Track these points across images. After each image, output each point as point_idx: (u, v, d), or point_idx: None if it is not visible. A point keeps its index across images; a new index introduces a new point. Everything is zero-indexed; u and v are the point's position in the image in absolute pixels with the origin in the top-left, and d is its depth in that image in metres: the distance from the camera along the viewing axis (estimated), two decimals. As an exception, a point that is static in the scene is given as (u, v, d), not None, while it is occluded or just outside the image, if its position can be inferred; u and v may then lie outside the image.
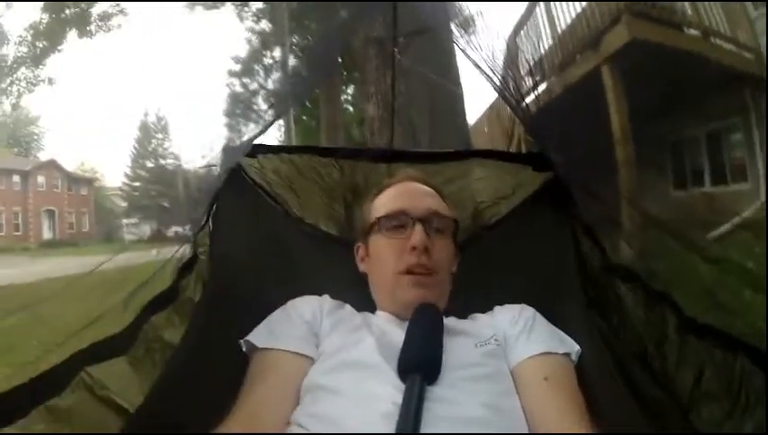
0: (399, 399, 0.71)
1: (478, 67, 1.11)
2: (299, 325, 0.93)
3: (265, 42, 15.55)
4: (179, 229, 1.18)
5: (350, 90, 13.23)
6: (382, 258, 0.97)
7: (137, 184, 34.33)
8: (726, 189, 6.56)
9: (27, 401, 0.71)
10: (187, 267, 1.07)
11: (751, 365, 0.75)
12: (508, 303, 1.01)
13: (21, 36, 10.98)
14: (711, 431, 0.76)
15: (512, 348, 0.90)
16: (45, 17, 10.57)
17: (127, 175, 34.97)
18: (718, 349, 0.80)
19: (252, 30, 15.79)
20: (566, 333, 0.94)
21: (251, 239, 1.23)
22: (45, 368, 0.75)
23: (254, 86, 16.78)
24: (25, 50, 11.16)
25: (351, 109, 13.62)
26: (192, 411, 0.81)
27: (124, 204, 34.16)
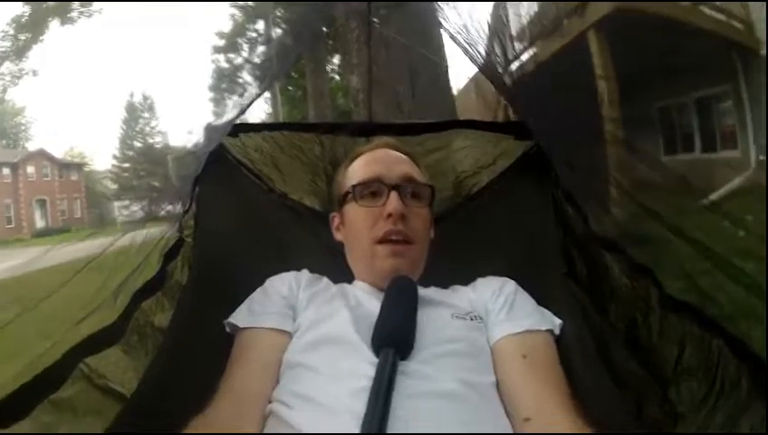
0: (373, 374, 0.71)
1: (455, 39, 1.11)
2: (276, 301, 0.94)
3: (249, 15, 15.31)
4: (171, 208, 1.17)
5: (336, 59, 13.12)
6: (358, 227, 0.96)
7: (126, 165, 34.00)
8: (717, 156, 6.59)
9: (33, 397, 0.73)
10: (173, 251, 1.07)
11: (726, 349, 0.75)
12: (489, 273, 1.01)
13: (3, 31, 10.82)
14: (688, 410, 0.76)
15: (492, 324, 0.89)
16: (27, 9, 10.44)
17: (116, 157, 34.65)
18: (695, 326, 0.80)
19: (235, 5, 15.54)
20: (546, 304, 0.94)
21: (235, 218, 1.23)
22: (46, 364, 0.77)
23: (238, 60, 16.62)
24: (8, 44, 11.01)
25: (338, 78, 13.52)
26: (184, 393, 0.82)
27: (114, 186, 33.88)
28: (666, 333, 0.85)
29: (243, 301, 0.97)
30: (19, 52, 11.20)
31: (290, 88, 13.63)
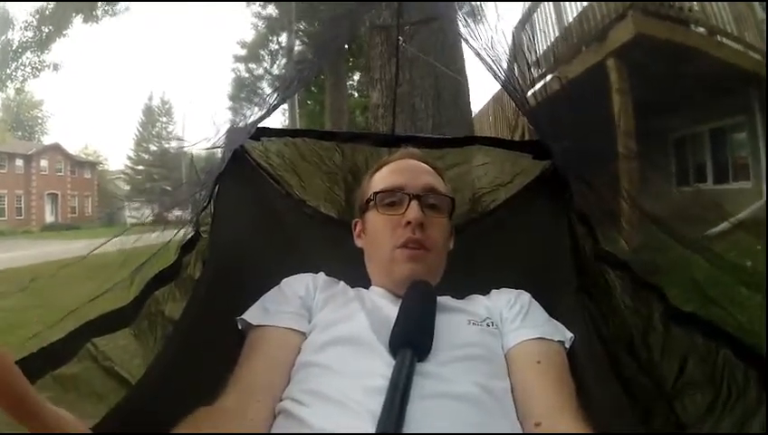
0: (390, 374, 0.70)
1: (479, 55, 1.13)
2: (292, 301, 0.95)
3: (272, 27, 15.53)
4: (180, 213, 1.19)
5: (357, 76, 13.29)
6: (378, 234, 0.98)
7: (139, 167, 34.31)
8: (728, 187, 6.58)
9: (37, 369, 0.73)
10: (189, 245, 1.08)
11: (734, 357, 0.75)
12: (503, 286, 1.02)
13: (26, 21, 10.95)
14: (694, 422, 0.76)
15: (507, 331, 0.90)
16: (52, 3, 10.63)
17: (130, 158, 34.95)
18: (701, 338, 0.81)
19: (258, 15, 15.80)
20: (558, 318, 0.94)
21: (252, 220, 1.24)
22: (55, 339, 0.77)
23: (259, 71, 16.88)
24: (31, 35, 11.13)
25: (357, 95, 13.66)
26: (189, 386, 0.82)
27: (127, 187, 34.14)
28: (667, 350, 0.85)
29: (254, 300, 0.97)
30: (41, 44, 11.29)
31: (309, 102, 13.81)
